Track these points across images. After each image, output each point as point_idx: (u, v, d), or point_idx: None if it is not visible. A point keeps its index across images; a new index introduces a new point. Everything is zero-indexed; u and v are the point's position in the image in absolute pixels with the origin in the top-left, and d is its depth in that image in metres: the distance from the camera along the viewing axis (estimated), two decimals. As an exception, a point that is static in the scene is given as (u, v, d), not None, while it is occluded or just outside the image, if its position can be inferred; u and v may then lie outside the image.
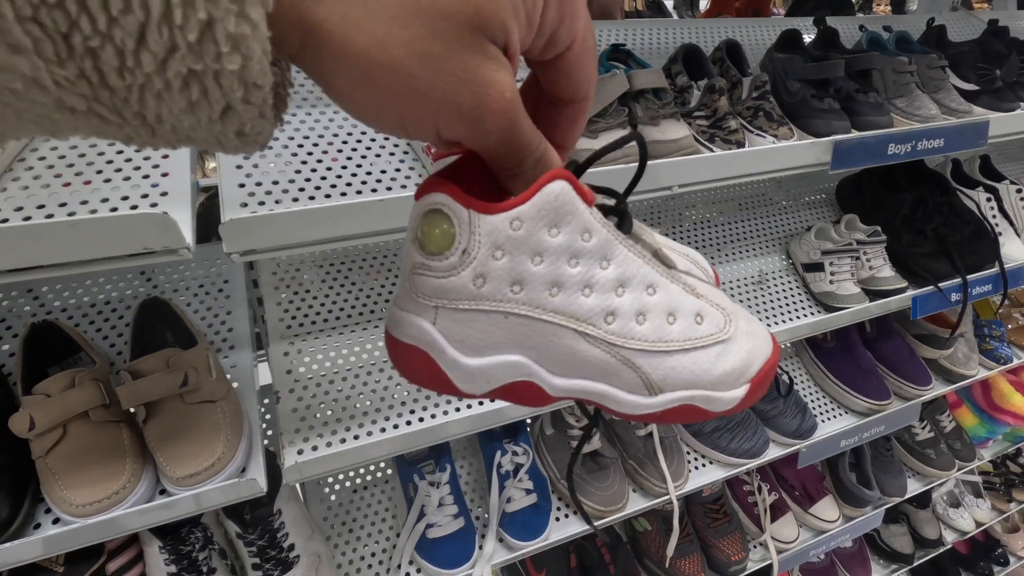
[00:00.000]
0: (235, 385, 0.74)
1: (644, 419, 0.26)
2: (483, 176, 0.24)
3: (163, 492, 0.64)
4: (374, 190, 0.64)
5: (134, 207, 0.53)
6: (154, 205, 0.54)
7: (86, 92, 0.15)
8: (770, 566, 1.19)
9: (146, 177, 0.56)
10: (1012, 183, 1.22)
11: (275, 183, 0.61)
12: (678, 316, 0.25)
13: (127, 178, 0.56)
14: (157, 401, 0.63)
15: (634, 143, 0.26)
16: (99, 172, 0.56)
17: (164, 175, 0.57)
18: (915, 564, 1.57)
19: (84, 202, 0.53)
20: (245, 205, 0.58)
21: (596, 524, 0.91)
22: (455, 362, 0.25)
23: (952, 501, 1.68)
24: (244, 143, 0.18)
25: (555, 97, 0.24)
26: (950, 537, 1.63)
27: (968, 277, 1.05)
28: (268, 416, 0.94)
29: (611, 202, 0.28)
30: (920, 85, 0.92)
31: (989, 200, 1.18)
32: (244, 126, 0.17)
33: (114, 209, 0.53)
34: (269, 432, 0.95)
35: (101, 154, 0.58)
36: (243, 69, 0.15)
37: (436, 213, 0.23)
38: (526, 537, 0.88)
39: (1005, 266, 1.09)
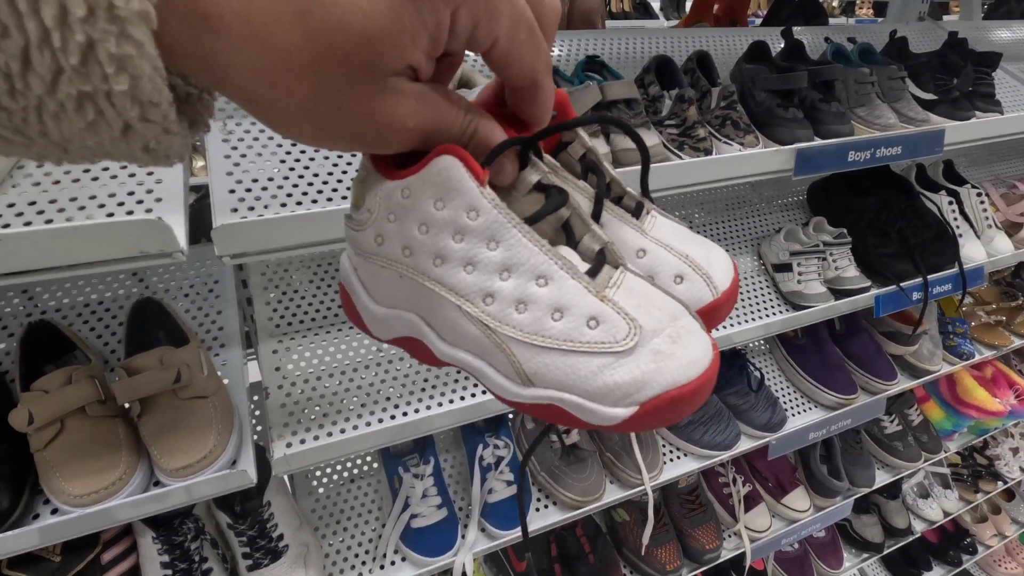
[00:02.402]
0: (225, 381, 0.77)
1: (514, 407, 0.25)
2: None
3: (157, 484, 0.67)
4: (359, 195, 0.67)
5: (130, 212, 0.56)
6: (149, 211, 0.56)
7: None
8: (743, 555, 1.24)
9: (140, 184, 0.59)
10: (973, 187, 1.28)
11: (264, 189, 0.65)
12: (565, 314, 0.23)
13: (123, 184, 0.59)
14: (151, 397, 0.66)
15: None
16: (95, 179, 0.59)
17: (158, 181, 0.60)
18: (885, 552, 1.63)
19: (82, 208, 0.56)
20: (235, 210, 0.61)
21: (572, 515, 0.95)
22: (365, 306, 0.29)
23: (921, 492, 1.75)
24: (154, 158, 0.18)
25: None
26: (919, 527, 1.69)
27: (929, 277, 1.11)
28: (258, 412, 0.97)
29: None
30: (880, 95, 0.97)
31: (951, 203, 1.24)
32: (148, 143, 0.17)
33: (111, 215, 0.56)
34: (259, 428, 0.98)
35: (97, 161, 0.61)
36: (134, 89, 0.16)
37: (363, 171, 0.26)
38: (507, 527, 0.92)
39: (964, 266, 1.15)
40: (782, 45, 1.05)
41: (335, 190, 0.67)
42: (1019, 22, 1.56)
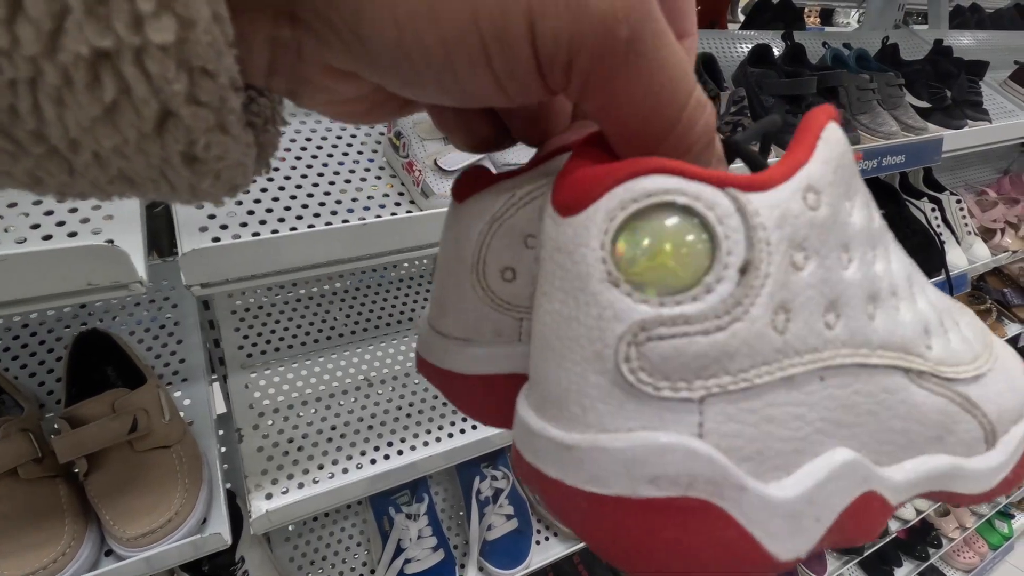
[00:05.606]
0: (190, 423, 0.66)
1: (994, 495, 0.16)
2: None
3: (109, 553, 0.56)
4: (350, 210, 0.59)
5: (73, 234, 0.46)
6: (97, 232, 0.46)
7: None
8: (740, 570, 1.20)
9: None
10: (952, 194, 1.30)
11: (239, 203, 0.55)
12: (957, 315, 0.18)
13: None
14: (101, 451, 0.55)
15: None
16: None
17: (107, 195, 0.50)
18: (865, 555, 1.65)
19: (7, 229, 0.45)
20: (205, 229, 0.52)
21: (579, 545, 0.89)
22: (763, 501, 0.12)
23: (895, 492, 1.78)
24: (199, 175, 0.12)
25: None
26: (894, 526, 1.72)
27: (920, 285, 1.10)
28: (223, 449, 0.86)
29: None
30: (880, 102, 0.95)
31: (934, 210, 1.24)
32: (195, 144, 0.11)
33: (47, 237, 0.45)
34: (225, 466, 0.86)
35: (29, 171, 0.50)
36: (181, 44, 0.09)
37: (661, 212, 0.12)
38: (508, 565, 0.84)
39: (951, 273, 1.15)
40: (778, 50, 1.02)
41: (322, 204, 0.58)
42: (982, 32, 1.60)
